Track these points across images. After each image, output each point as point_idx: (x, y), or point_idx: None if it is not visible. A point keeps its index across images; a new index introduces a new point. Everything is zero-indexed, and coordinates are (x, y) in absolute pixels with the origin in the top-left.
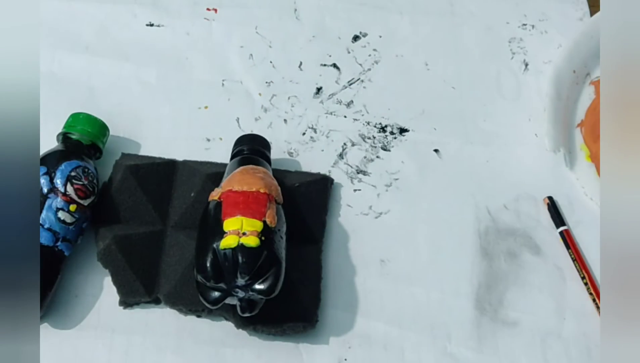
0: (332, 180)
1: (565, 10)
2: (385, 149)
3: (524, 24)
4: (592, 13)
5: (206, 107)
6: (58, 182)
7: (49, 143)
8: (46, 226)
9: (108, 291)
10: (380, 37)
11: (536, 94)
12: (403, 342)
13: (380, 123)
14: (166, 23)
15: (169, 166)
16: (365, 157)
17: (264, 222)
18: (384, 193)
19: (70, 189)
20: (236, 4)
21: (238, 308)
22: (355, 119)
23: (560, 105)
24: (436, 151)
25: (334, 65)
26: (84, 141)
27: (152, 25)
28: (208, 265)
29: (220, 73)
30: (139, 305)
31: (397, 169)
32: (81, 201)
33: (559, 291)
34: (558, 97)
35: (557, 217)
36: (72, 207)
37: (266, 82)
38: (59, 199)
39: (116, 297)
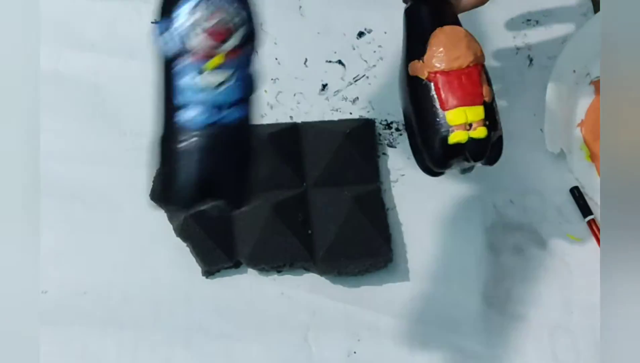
0: (373, 121)
1: (568, 6)
2: (391, 146)
3: (528, 20)
4: (594, 9)
5: None
6: (182, 36)
7: (52, 142)
8: (191, 103)
9: (116, 286)
10: (386, 33)
11: (541, 89)
12: (412, 335)
13: (385, 120)
14: None
15: None
16: None
17: (484, 103)
18: (390, 189)
19: (197, 41)
20: None
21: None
22: (361, 116)
23: (560, 105)
24: None
25: (339, 61)
26: None
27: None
28: (439, 158)
29: None
30: (220, 272)
31: (403, 166)
32: (221, 48)
33: (566, 286)
34: (558, 97)
35: (584, 206)
36: (212, 63)
37: (272, 79)
38: (188, 62)
39: (124, 293)
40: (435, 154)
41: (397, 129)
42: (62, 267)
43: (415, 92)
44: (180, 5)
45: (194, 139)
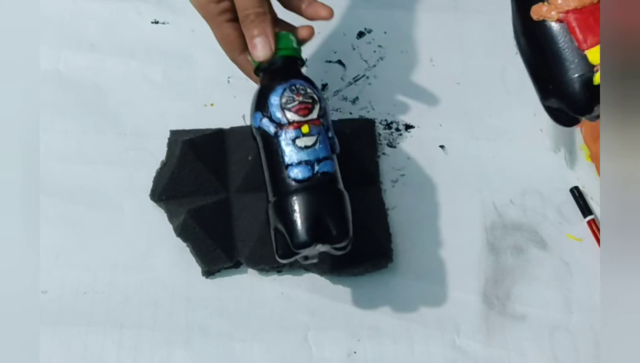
0: (373, 121)
1: None
2: (391, 146)
3: None
4: None
5: (212, 104)
6: (277, 116)
7: (53, 142)
8: (295, 161)
9: (116, 286)
10: (385, 33)
11: None
12: (412, 335)
13: (385, 120)
14: (171, 20)
15: (219, 135)
16: None
17: None
18: (390, 189)
19: (290, 115)
20: None
21: None
22: (360, 116)
23: None
24: (442, 147)
25: (339, 61)
26: (277, 63)
27: (157, 22)
28: (584, 102)
29: (226, 70)
30: (220, 272)
31: (403, 166)
32: (308, 118)
33: (566, 286)
34: None
35: (584, 206)
36: (305, 128)
37: None
38: (288, 131)
39: (124, 293)
40: (577, 99)
41: (397, 129)
42: (62, 267)
43: (543, 37)
44: (270, 97)
45: (302, 190)
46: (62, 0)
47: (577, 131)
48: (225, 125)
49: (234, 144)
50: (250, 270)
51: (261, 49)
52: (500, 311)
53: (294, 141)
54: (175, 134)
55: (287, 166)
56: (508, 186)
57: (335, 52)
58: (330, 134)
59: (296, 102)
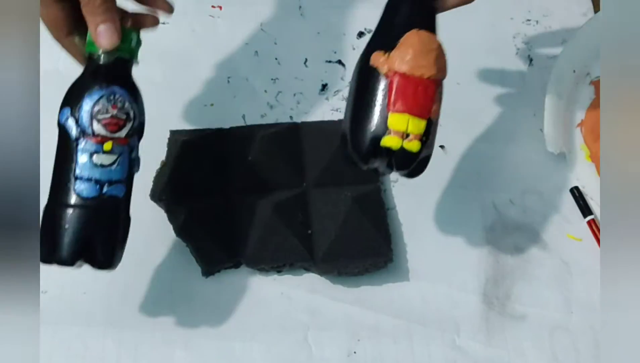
0: None
1: (569, 6)
2: None
3: (528, 20)
4: (594, 9)
5: (212, 104)
6: (84, 123)
7: (53, 142)
8: (85, 176)
9: (116, 287)
10: None
11: (541, 89)
12: (412, 335)
13: None
14: (171, 20)
15: (219, 135)
16: None
17: (429, 120)
18: (390, 189)
19: (97, 127)
20: (241, 1)
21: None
22: None
23: (560, 105)
24: (442, 147)
25: (339, 61)
26: (108, 60)
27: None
28: (364, 152)
29: (226, 70)
30: (220, 272)
31: None
32: (115, 136)
33: (566, 286)
34: (558, 97)
35: (584, 206)
36: (107, 146)
37: (272, 79)
38: (89, 142)
39: (124, 293)
40: (361, 148)
41: None
42: (62, 267)
43: (368, 81)
44: (84, 98)
45: (82, 207)
46: None
47: (577, 131)
48: (225, 125)
49: (234, 144)
50: (250, 270)
51: (108, 37)
52: (500, 311)
53: (91, 155)
54: (175, 134)
55: (77, 178)
56: (508, 186)
57: (335, 52)
58: (134, 155)
59: (108, 115)
